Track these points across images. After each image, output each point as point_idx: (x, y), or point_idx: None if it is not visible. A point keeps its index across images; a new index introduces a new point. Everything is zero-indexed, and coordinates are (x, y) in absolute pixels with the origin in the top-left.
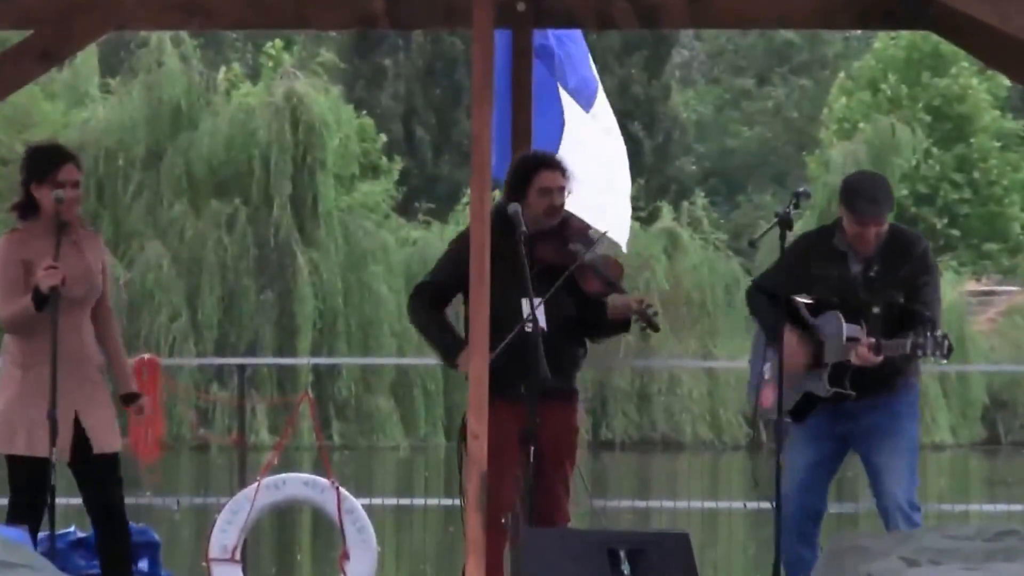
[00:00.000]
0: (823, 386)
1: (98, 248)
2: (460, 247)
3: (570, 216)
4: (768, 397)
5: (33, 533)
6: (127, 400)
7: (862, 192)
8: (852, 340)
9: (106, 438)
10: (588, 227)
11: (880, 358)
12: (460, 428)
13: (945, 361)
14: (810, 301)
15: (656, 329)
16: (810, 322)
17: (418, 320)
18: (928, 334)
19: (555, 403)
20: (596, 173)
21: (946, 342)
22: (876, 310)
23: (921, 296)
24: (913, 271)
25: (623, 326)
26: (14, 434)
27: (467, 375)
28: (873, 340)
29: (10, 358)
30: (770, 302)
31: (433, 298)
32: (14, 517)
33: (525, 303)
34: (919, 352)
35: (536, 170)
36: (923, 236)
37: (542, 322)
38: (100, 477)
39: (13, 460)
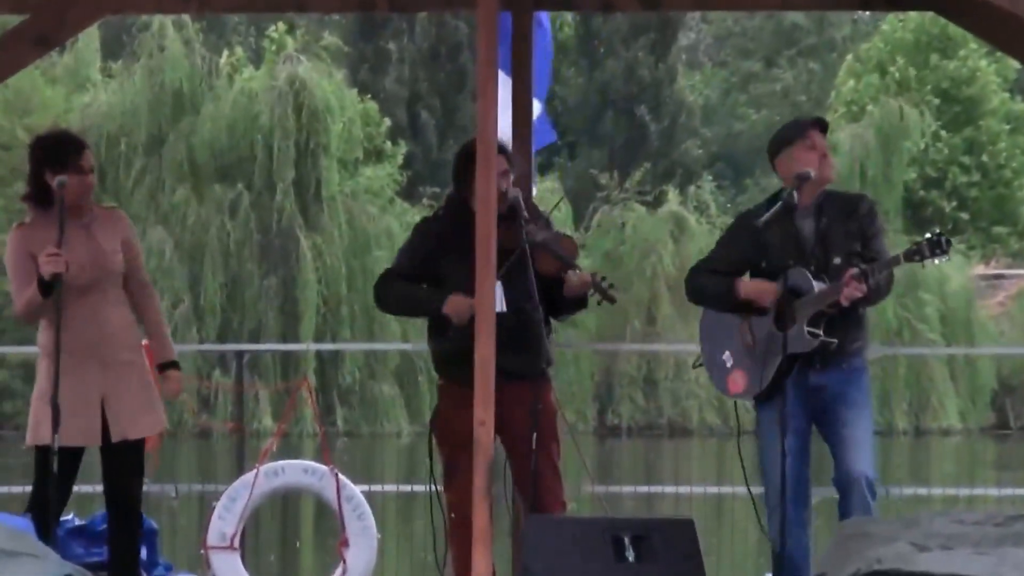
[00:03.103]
0: (805, 340)
1: (117, 226)
2: (421, 234)
3: (520, 198)
4: (737, 382)
5: (58, 520)
6: (160, 368)
7: (789, 121)
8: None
9: (129, 425)
10: (540, 209)
11: (866, 287)
12: (432, 416)
13: (947, 258)
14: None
15: (612, 301)
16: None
17: (390, 298)
18: (919, 241)
19: (524, 384)
20: None
21: (942, 238)
22: (837, 261)
23: (874, 245)
24: (862, 224)
25: (580, 303)
26: (39, 424)
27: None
28: (857, 270)
29: (40, 349)
30: (716, 276)
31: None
32: (39, 505)
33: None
34: (916, 258)
35: (476, 158)
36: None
37: (501, 305)
38: (117, 466)
39: (40, 451)
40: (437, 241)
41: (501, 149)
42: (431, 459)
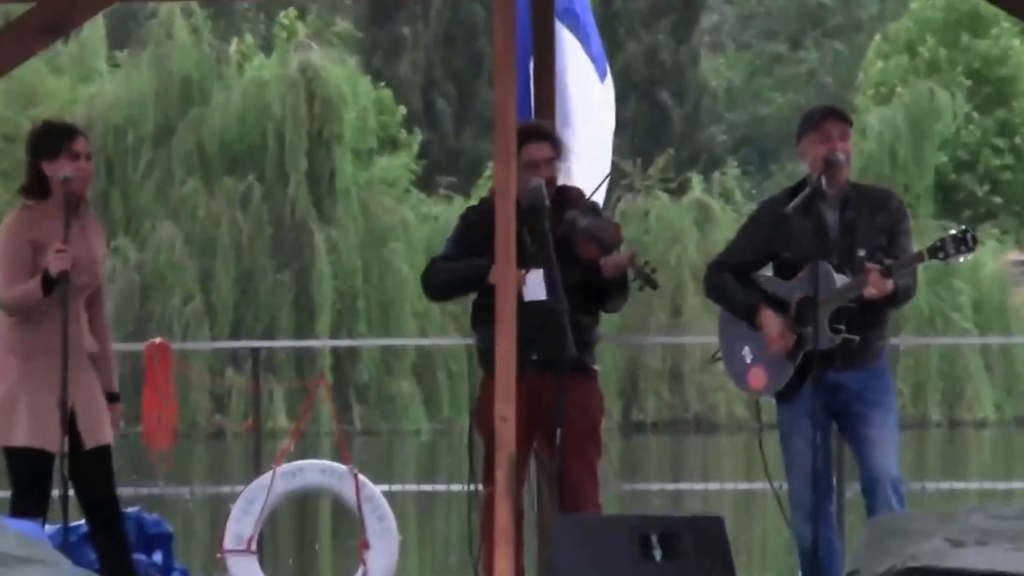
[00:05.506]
0: (826, 337)
1: (100, 236)
2: (469, 221)
3: (566, 187)
4: (758, 378)
5: (43, 520)
6: (108, 399)
7: (814, 108)
8: (844, 282)
9: (98, 431)
10: (584, 195)
11: (891, 283)
12: (471, 408)
13: (971, 255)
14: (769, 275)
15: (654, 286)
16: (788, 287)
17: (438, 279)
18: (944, 237)
19: (570, 380)
20: (601, 140)
21: (968, 235)
22: (862, 253)
23: (900, 242)
24: (891, 219)
25: (620, 288)
26: (14, 426)
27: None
28: (880, 265)
29: (5, 345)
30: (736, 281)
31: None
32: (18, 511)
33: (525, 274)
34: (940, 255)
35: (522, 143)
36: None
37: (543, 295)
38: (91, 471)
39: (14, 453)
40: (482, 229)
41: (545, 135)
42: (471, 453)
